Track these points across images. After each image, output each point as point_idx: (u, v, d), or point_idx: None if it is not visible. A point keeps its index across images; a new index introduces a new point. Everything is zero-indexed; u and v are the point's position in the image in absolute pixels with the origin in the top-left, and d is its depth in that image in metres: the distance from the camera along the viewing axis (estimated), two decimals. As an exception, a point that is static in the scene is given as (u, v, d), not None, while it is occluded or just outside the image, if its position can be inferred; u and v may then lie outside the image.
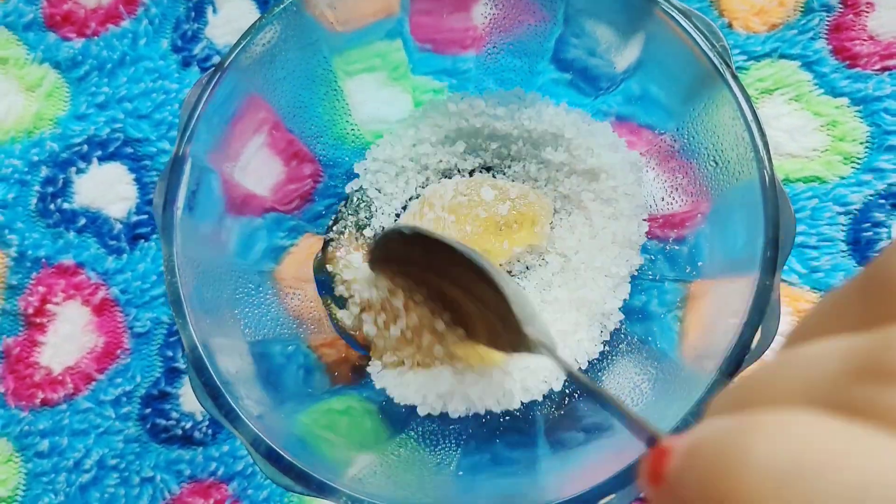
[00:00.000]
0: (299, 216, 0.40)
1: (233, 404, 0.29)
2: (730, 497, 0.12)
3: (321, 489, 0.28)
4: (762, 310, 0.28)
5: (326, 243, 0.41)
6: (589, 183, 0.40)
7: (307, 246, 0.40)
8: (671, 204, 0.38)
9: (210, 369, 0.29)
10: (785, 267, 0.33)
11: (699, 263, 0.35)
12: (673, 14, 0.32)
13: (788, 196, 0.30)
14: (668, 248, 0.38)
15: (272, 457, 0.28)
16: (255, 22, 0.32)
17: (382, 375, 0.38)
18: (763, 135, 0.30)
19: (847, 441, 0.11)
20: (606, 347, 0.38)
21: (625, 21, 0.35)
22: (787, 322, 0.41)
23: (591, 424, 0.35)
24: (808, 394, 0.13)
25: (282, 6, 0.32)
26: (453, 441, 0.36)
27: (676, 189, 0.38)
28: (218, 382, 0.29)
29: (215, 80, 0.31)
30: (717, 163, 0.34)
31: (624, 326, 0.39)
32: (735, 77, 0.31)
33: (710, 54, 0.31)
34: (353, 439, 0.35)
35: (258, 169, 0.37)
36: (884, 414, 0.12)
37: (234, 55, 0.32)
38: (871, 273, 0.14)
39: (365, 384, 0.38)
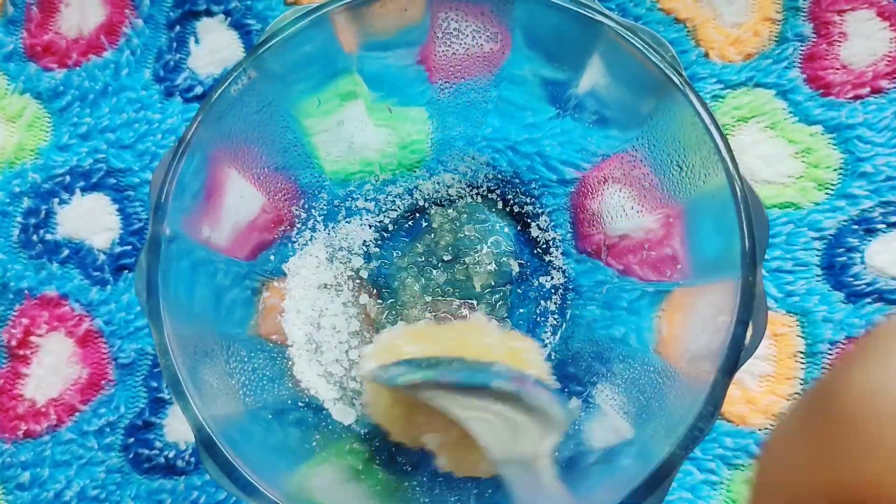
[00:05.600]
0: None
1: (248, 477, 0.28)
2: None
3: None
4: (749, 306, 0.29)
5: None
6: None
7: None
8: (641, 212, 0.38)
9: (220, 445, 0.28)
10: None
11: (677, 267, 0.36)
12: (619, 31, 0.32)
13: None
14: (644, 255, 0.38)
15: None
16: (212, 92, 0.31)
17: None
18: (723, 135, 0.30)
19: None
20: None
21: (577, 41, 0.35)
22: (766, 346, 0.42)
23: (602, 455, 0.35)
24: None
25: (235, 73, 0.31)
26: (460, 496, 0.36)
27: (644, 196, 0.38)
28: (230, 457, 0.28)
29: (179, 154, 0.30)
30: (681, 168, 0.34)
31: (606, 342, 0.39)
32: (688, 83, 0.31)
33: (661, 65, 0.32)
34: (363, 492, 0.35)
35: (233, 228, 0.36)
36: None
37: (194, 128, 0.31)
38: (817, 397, 0.13)
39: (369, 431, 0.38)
